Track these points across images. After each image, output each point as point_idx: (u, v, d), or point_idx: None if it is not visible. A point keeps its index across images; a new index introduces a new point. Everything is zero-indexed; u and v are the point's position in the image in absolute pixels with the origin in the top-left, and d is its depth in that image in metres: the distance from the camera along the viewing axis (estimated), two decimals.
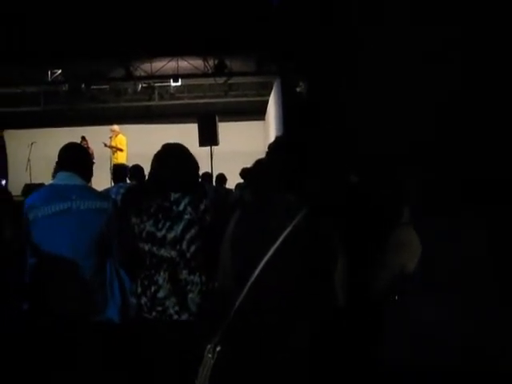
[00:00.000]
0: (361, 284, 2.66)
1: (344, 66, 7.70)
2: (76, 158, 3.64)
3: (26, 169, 14.45)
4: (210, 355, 2.39)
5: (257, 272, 2.35)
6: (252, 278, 2.35)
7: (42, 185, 6.73)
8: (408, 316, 2.48)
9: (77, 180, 3.55)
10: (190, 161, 3.35)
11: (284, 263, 2.36)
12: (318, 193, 2.48)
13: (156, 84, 14.14)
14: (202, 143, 11.93)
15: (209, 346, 2.41)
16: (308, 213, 2.41)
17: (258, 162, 3.94)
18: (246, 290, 2.36)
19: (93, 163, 3.86)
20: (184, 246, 3.14)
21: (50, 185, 3.73)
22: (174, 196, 3.18)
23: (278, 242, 2.34)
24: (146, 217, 3.19)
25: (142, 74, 12.79)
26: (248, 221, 2.55)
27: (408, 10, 5.60)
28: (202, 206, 3.20)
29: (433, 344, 2.40)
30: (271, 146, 2.71)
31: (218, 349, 2.39)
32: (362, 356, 2.99)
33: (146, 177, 6.24)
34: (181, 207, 3.17)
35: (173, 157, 3.29)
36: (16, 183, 13.45)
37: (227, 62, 11.83)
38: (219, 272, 2.75)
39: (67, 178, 3.57)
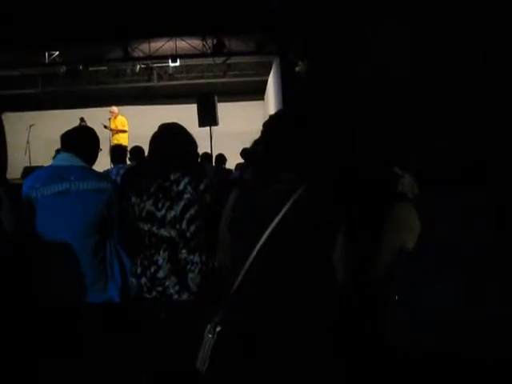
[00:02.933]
0: (360, 262, 2.65)
1: (344, 44, 7.65)
2: (77, 140, 3.63)
3: (26, 152, 14.43)
4: (210, 335, 2.38)
5: (255, 251, 2.33)
6: (251, 258, 2.34)
7: (41, 167, 6.73)
8: (413, 295, 2.47)
9: (76, 161, 3.53)
10: (188, 140, 3.35)
11: (282, 241, 2.34)
12: (316, 169, 2.45)
13: (155, 65, 14.07)
14: (202, 123, 11.91)
15: (209, 326, 2.40)
16: (306, 190, 2.39)
17: (256, 142, 3.92)
18: (244, 270, 2.35)
19: (98, 146, 3.81)
20: (184, 225, 3.14)
21: (49, 166, 3.72)
22: (173, 176, 3.17)
23: (276, 220, 2.32)
24: (146, 196, 3.19)
25: (141, 54, 12.72)
26: (246, 200, 2.53)
27: None
28: (202, 186, 3.19)
29: (440, 326, 2.39)
30: (266, 123, 2.67)
31: (218, 329, 2.38)
32: (365, 336, 2.99)
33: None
34: (180, 187, 3.16)
35: (171, 137, 3.29)
36: (15, 166, 13.42)
37: (226, 42, 11.76)
38: (218, 251, 2.74)
39: (66, 159, 3.56)
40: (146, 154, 3.75)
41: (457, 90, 4.28)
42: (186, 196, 3.15)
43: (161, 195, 3.17)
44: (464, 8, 4.46)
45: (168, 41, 12.24)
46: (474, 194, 2.46)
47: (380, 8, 6.09)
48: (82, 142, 3.62)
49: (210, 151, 10.87)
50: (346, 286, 2.47)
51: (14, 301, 3.50)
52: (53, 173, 3.53)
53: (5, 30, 9.54)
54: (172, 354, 3.13)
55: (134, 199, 3.23)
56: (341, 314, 2.43)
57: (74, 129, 3.74)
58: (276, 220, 2.32)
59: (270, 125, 2.63)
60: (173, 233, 3.15)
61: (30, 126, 14.68)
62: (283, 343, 2.33)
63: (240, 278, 2.36)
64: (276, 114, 2.82)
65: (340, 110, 7.03)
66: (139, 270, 3.26)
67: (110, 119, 13.79)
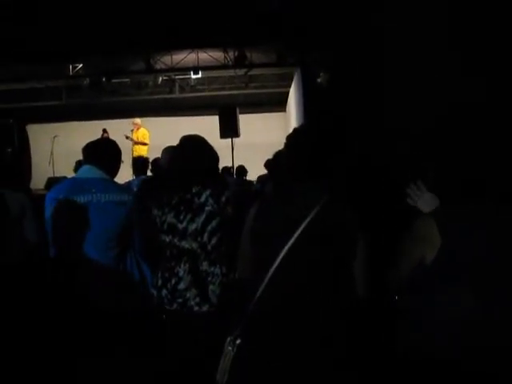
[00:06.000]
0: (381, 273, 2.63)
1: (365, 55, 7.63)
2: (99, 152, 3.66)
3: (49, 162, 14.57)
4: (230, 348, 2.38)
5: (276, 264, 2.33)
6: (272, 270, 2.33)
7: (64, 178, 6.80)
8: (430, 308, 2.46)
9: (97, 173, 3.56)
10: (210, 153, 3.36)
11: (304, 253, 2.34)
12: (338, 182, 2.45)
13: (177, 76, 14.16)
14: (223, 135, 11.95)
15: (229, 339, 2.41)
16: (328, 201, 2.39)
17: (278, 154, 3.94)
18: (265, 282, 2.35)
19: (119, 159, 3.83)
20: (205, 237, 3.15)
21: (72, 178, 3.76)
22: (195, 188, 3.18)
23: (298, 232, 2.32)
24: (168, 209, 3.20)
25: (163, 66, 12.80)
26: (267, 212, 2.54)
27: None
28: (224, 198, 3.20)
29: (452, 337, 2.37)
30: (290, 136, 2.68)
31: (238, 341, 2.38)
32: (382, 345, 2.97)
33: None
34: (202, 199, 3.17)
35: (193, 149, 3.30)
36: (39, 177, 13.57)
37: (247, 54, 11.79)
38: (238, 264, 2.74)
39: (88, 171, 3.59)
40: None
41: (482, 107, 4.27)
42: (208, 208, 3.16)
43: (182, 207, 3.18)
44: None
45: (190, 53, 12.32)
46: (497, 207, 2.45)
47: (403, 18, 6.08)
48: (103, 154, 3.65)
49: (231, 163, 10.88)
50: (365, 296, 2.46)
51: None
52: (75, 185, 3.56)
53: (30, 43, 9.68)
54: (192, 365, 3.12)
55: (155, 211, 3.24)
56: (359, 325, 2.42)
57: (96, 141, 3.77)
58: (297, 232, 2.32)
59: (293, 138, 2.64)
60: (194, 245, 3.16)
61: (54, 137, 14.83)
62: (303, 356, 2.32)
63: (261, 290, 2.36)
64: (299, 127, 2.83)
65: (362, 121, 7.01)
66: (160, 282, 3.27)
67: (132, 130, 13.88)
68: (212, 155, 3.36)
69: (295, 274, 2.35)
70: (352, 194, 2.64)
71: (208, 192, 3.19)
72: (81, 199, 3.46)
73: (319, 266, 2.36)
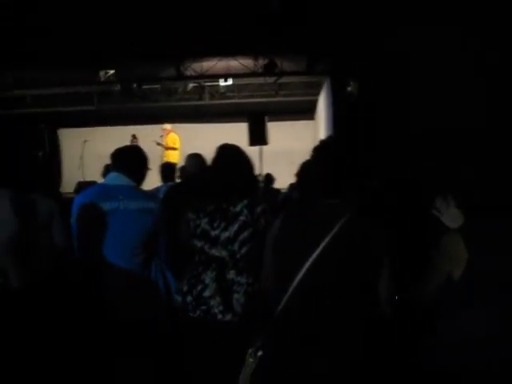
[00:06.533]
0: (406, 292, 2.61)
1: (395, 65, 7.60)
2: (126, 159, 3.68)
3: (79, 167, 14.72)
4: (251, 359, 2.37)
5: (299, 277, 2.32)
6: (295, 283, 2.32)
7: (94, 183, 6.87)
8: (456, 325, 2.43)
9: (125, 180, 3.59)
10: (247, 163, 3.39)
11: (327, 269, 2.32)
12: (364, 197, 2.43)
13: (206, 83, 14.20)
14: (252, 143, 11.97)
15: (250, 350, 2.40)
16: (352, 218, 2.37)
17: (305, 164, 3.92)
18: (288, 295, 2.34)
19: (146, 166, 3.86)
20: (236, 246, 3.16)
21: (100, 184, 3.79)
22: (232, 198, 3.21)
23: (320, 247, 2.31)
24: (203, 214, 3.24)
25: (193, 73, 12.85)
26: (291, 225, 2.53)
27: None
28: (259, 209, 3.21)
29: (479, 353, 2.34)
30: (316, 148, 2.67)
31: (260, 353, 2.37)
32: (407, 365, 2.93)
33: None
34: (238, 208, 3.20)
35: (231, 160, 3.33)
36: (69, 181, 13.70)
37: (277, 62, 11.79)
38: (262, 274, 2.73)
39: (116, 178, 3.62)
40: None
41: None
42: (242, 218, 3.18)
43: (217, 215, 3.21)
44: None
45: (220, 60, 12.36)
46: None
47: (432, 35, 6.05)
48: (130, 161, 3.67)
49: (259, 170, 10.88)
50: (390, 312, 2.44)
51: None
52: (102, 191, 3.58)
53: (62, 49, 9.81)
54: (213, 374, 3.12)
55: (190, 215, 3.28)
56: (383, 341, 2.39)
57: (123, 148, 3.79)
58: (322, 245, 2.30)
59: (320, 150, 2.63)
60: (224, 253, 3.17)
61: (84, 142, 14.99)
62: (325, 370, 2.30)
63: (283, 303, 2.35)
64: (326, 139, 2.82)
65: (390, 132, 6.97)
66: (185, 288, 3.28)
67: (161, 136, 13.96)
68: (249, 165, 3.39)
69: (318, 287, 2.33)
70: (378, 210, 2.62)
71: (244, 202, 3.21)
72: (107, 206, 3.48)
73: (343, 280, 2.33)
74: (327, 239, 2.31)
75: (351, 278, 2.34)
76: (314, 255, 2.30)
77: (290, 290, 2.33)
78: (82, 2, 8.37)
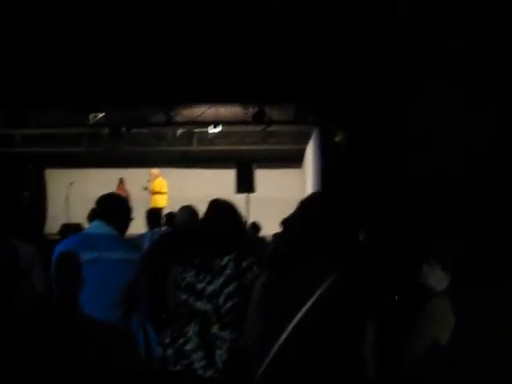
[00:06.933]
0: (391, 355, 2.56)
1: (383, 116, 7.68)
2: (109, 208, 3.65)
3: (65, 208, 14.64)
4: None
5: (283, 338, 2.26)
6: (277, 346, 2.27)
7: (78, 225, 6.82)
8: None
9: (107, 229, 3.55)
10: (236, 219, 3.42)
11: (312, 330, 2.27)
12: (350, 256, 2.40)
13: (195, 129, 14.28)
14: (239, 190, 12.00)
15: None
16: (338, 277, 2.33)
17: (290, 218, 3.91)
18: (270, 358, 2.28)
19: (130, 215, 3.83)
20: (221, 300, 3.14)
21: (81, 233, 3.75)
22: (219, 251, 3.20)
23: (306, 307, 2.26)
24: (189, 267, 3.22)
25: (182, 119, 12.92)
26: (275, 285, 2.48)
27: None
28: (245, 264, 3.22)
29: None
30: (304, 203, 2.65)
31: None
32: None
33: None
34: (224, 262, 3.19)
35: (221, 216, 3.35)
36: (54, 222, 13.60)
37: (266, 110, 11.89)
38: (245, 331, 2.68)
39: (98, 227, 3.59)
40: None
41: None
42: (228, 272, 3.17)
43: (203, 268, 3.20)
44: None
45: (209, 107, 12.45)
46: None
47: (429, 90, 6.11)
48: (113, 210, 3.64)
49: (246, 217, 10.85)
50: (376, 377, 2.37)
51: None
52: (84, 241, 3.55)
53: (52, 91, 9.85)
54: None
55: (177, 268, 3.27)
56: None
57: (106, 197, 3.75)
58: (305, 308, 2.26)
59: (306, 206, 2.60)
60: (208, 307, 3.14)
61: (71, 184, 14.93)
62: None
63: (265, 365, 2.29)
64: (312, 195, 2.78)
65: (379, 187, 6.98)
66: (167, 341, 3.24)
67: (149, 181, 13.97)
68: (239, 221, 3.43)
69: (302, 350, 2.28)
70: (364, 272, 2.58)
71: (231, 256, 3.21)
72: (88, 256, 3.42)
73: (327, 343, 2.28)
74: (311, 301, 2.26)
75: (335, 341, 2.29)
76: (298, 317, 2.25)
77: (273, 351, 2.27)
78: (73, 43, 8.42)
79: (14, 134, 14.50)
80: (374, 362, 2.35)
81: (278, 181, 14.98)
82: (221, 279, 3.15)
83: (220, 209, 3.41)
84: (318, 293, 2.29)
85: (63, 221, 12.41)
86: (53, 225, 13.58)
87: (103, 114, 12.72)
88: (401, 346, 2.56)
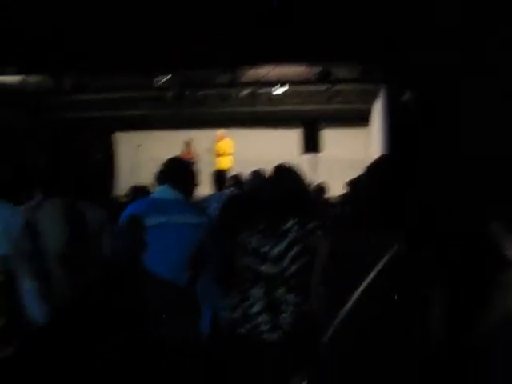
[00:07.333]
0: (462, 326, 2.48)
1: (451, 74, 7.41)
2: (175, 173, 3.66)
3: (133, 171, 14.91)
4: None
5: (348, 306, 2.22)
6: (343, 313, 2.23)
7: (146, 187, 6.90)
8: None
9: (174, 194, 3.56)
10: (300, 184, 3.41)
11: (377, 297, 2.22)
12: (416, 225, 2.32)
13: (260, 90, 14.18)
14: (305, 150, 11.89)
15: (295, 379, 2.31)
16: (404, 247, 2.26)
17: (356, 182, 3.84)
18: (336, 324, 2.24)
19: (195, 179, 3.83)
20: (285, 263, 3.14)
21: (148, 198, 3.77)
22: (284, 215, 3.18)
23: (371, 275, 2.20)
24: (254, 232, 3.24)
25: (247, 80, 12.85)
26: (340, 253, 2.43)
27: None
28: (309, 227, 3.20)
29: None
30: (370, 168, 2.56)
31: (304, 383, 2.29)
32: None
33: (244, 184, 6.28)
34: (288, 225, 3.19)
35: (285, 180, 3.35)
36: (123, 185, 13.88)
37: (332, 69, 11.67)
38: (311, 299, 2.65)
39: (164, 192, 3.60)
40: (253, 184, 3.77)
41: None
42: (291, 234, 3.17)
43: (268, 232, 3.21)
44: None
45: (274, 67, 12.32)
46: None
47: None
48: (179, 175, 3.64)
49: (312, 179, 10.75)
50: (442, 349, 2.30)
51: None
52: (151, 205, 3.57)
53: (118, 56, 9.94)
54: None
55: (243, 232, 3.30)
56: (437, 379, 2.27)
57: (173, 161, 3.76)
58: (371, 275, 2.20)
59: (373, 171, 2.52)
60: (273, 270, 3.15)
61: (139, 146, 15.16)
62: None
63: (330, 333, 2.25)
64: (380, 159, 2.67)
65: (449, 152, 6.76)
66: (233, 304, 3.27)
67: (214, 142, 14.01)
68: (303, 184, 3.40)
69: (367, 318, 2.23)
70: (430, 241, 2.50)
71: (295, 220, 3.20)
72: (155, 220, 3.46)
73: (393, 313, 2.22)
74: (375, 271, 2.20)
75: (402, 309, 2.22)
76: (363, 286, 2.20)
77: (338, 320, 2.23)
78: (136, 8, 8.45)
79: (82, 100, 14.79)
80: (440, 333, 2.27)
81: (344, 141, 14.76)
82: (285, 242, 3.15)
83: (284, 173, 3.39)
84: (383, 260, 2.22)
85: (132, 183, 12.64)
86: (122, 187, 13.86)
87: (168, 77, 12.77)
88: (471, 317, 2.48)
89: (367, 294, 2.21)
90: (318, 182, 10.30)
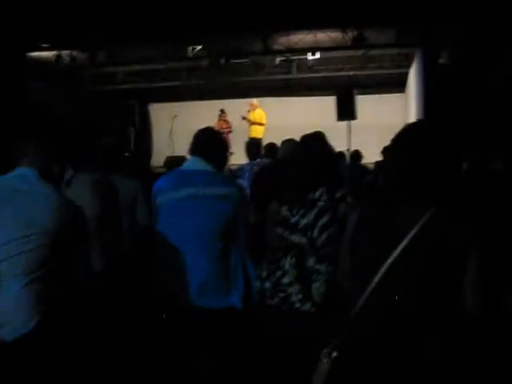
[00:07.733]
0: (496, 293, 2.41)
1: (488, 36, 7.24)
2: (205, 144, 3.63)
3: (169, 141, 15.00)
4: (325, 360, 2.28)
5: (378, 277, 2.18)
6: (373, 283, 2.19)
7: (182, 157, 6.93)
8: None
9: (204, 165, 3.54)
10: (327, 152, 3.38)
11: (408, 267, 2.17)
12: (449, 191, 2.25)
13: (294, 57, 14.03)
14: (340, 117, 11.74)
15: (325, 350, 2.30)
16: (436, 213, 2.20)
17: (388, 151, 3.77)
18: (366, 295, 2.21)
19: (226, 151, 3.82)
20: (315, 233, 3.12)
21: (179, 170, 3.77)
22: (312, 185, 3.19)
23: (401, 245, 2.15)
24: (283, 201, 3.24)
25: (280, 47, 12.73)
26: (368, 222, 2.37)
27: None
28: (338, 195, 3.20)
29: None
30: (400, 135, 2.49)
31: (335, 354, 2.27)
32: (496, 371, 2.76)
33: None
34: (316, 194, 3.18)
35: (312, 149, 3.37)
36: (159, 155, 13.99)
37: (366, 34, 11.47)
38: (338, 271, 2.61)
39: (195, 164, 3.58)
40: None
41: None
42: (320, 203, 3.15)
43: (297, 202, 3.19)
44: None
45: (308, 33, 12.16)
46: None
47: None
48: (210, 146, 3.62)
49: (347, 145, 10.66)
50: (478, 315, 2.24)
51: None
52: (182, 177, 3.57)
53: (151, 27, 9.95)
54: (288, 363, 3.07)
55: (273, 203, 3.32)
56: (471, 346, 2.22)
57: (203, 132, 3.73)
58: (402, 245, 2.15)
59: (403, 138, 2.44)
60: (303, 240, 3.14)
61: (174, 117, 15.22)
62: (404, 375, 2.17)
63: (360, 303, 2.23)
64: (411, 125, 2.59)
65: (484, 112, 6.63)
66: (264, 274, 3.29)
67: (248, 111, 13.97)
68: (331, 154, 3.40)
69: (398, 288, 2.19)
70: (464, 205, 2.43)
71: (323, 188, 3.18)
72: (186, 192, 3.46)
73: (424, 281, 2.16)
74: (407, 238, 2.15)
75: (434, 278, 2.17)
76: (394, 255, 2.15)
77: (369, 290, 2.19)
78: None
79: (117, 72, 14.87)
80: (474, 301, 2.21)
81: (380, 107, 14.55)
82: (314, 212, 3.13)
83: (311, 142, 3.37)
84: (414, 230, 2.17)
85: (168, 154, 12.72)
86: (158, 158, 13.98)
87: (202, 47, 12.73)
88: (506, 285, 2.42)
89: (399, 261, 2.14)
90: (354, 148, 10.21)
